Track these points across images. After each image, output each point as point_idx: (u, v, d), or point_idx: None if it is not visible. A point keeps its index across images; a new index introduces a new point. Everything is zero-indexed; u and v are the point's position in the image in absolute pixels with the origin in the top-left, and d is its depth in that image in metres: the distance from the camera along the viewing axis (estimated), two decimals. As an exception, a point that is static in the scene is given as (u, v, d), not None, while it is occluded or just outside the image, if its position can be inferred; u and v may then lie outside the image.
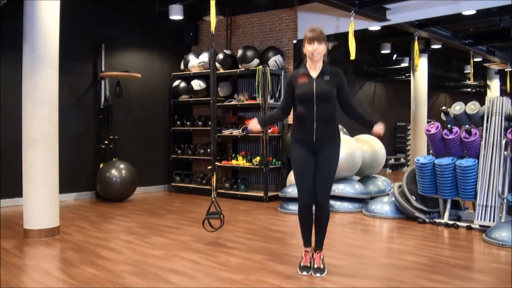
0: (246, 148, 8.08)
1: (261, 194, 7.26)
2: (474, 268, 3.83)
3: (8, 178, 6.35)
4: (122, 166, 7.08)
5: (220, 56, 7.66)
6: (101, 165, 7.26)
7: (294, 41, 7.55)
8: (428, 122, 9.25)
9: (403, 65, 11.92)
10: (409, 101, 10.79)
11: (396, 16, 6.91)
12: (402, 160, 14.26)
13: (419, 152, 10.24)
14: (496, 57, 10.66)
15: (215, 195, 4.71)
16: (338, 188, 6.38)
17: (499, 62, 11.27)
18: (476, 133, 5.27)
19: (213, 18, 4.84)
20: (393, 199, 5.89)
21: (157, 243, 4.50)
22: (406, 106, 11.49)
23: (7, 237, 4.68)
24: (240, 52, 7.45)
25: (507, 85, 12.18)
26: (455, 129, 5.38)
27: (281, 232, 5.16)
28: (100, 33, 7.58)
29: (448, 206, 5.45)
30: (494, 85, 13.83)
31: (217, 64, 7.62)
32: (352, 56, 6.49)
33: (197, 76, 8.11)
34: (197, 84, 8.04)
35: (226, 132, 7.71)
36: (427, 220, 5.51)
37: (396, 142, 15.06)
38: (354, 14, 6.45)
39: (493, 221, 5.00)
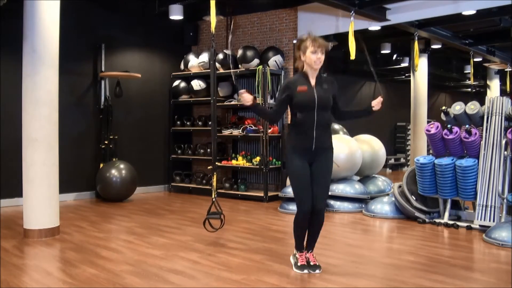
0: (246, 148, 8.08)
1: (261, 194, 7.26)
2: (474, 268, 3.83)
3: (8, 178, 6.35)
4: (122, 166, 7.08)
5: (220, 56, 7.66)
6: (101, 165, 7.26)
7: (294, 41, 7.54)
8: (428, 122, 9.26)
9: (403, 65, 11.92)
10: (409, 101, 10.79)
11: (396, 16, 6.91)
12: (402, 160, 14.26)
13: (419, 152, 10.24)
14: (496, 57, 10.66)
15: (216, 195, 4.71)
16: (338, 188, 6.38)
17: (499, 62, 11.27)
18: (476, 133, 5.27)
19: (213, 18, 4.84)
20: (393, 199, 5.89)
21: (157, 243, 4.50)
22: (406, 106, 11.49)
23: (7, 237, 4.68)
24: (240, 52, 7.45)
25: (507, 85, 12.18)
26: (455, 129, 5.38)
27: (281, 232, 5.15)
28: (100, 33, 7.58)
29: (448, 206, 5.45)
30: (494, 85, 13.82)
31: (217, 64, 7.63)
32: (352, 56, 6.50)
33: (197, 76, 8.12)
34: (197, 84, 8.04)
35: (226, 132, 7.71)
36: (427, 220, 5.51)
37: (396, 142, 15.06)
38: (354, 14, 6.45)
39: (493, 221, 5.00)
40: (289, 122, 3.62)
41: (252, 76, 7.68)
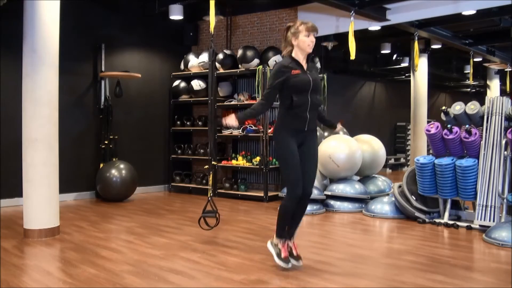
0: (246, 148, 8.08)
1: (261, 194, 7.26)
2: (474, 268, 3.83)
3: (8, 178, 6.35)
4: (122, 166, 7.08)
5: (220, 56, 7.66)
6: (101, 165, 7.26)
7: (294, 41, 7.54)
8: (428, 122, 9.26)
9: (403, 65, 11.92)
10: (409, 101, 10.79)
11: (396, 16, 6.91)
12: (402, 160, 14.26)
13: (419, 152, 10.24)
14: (496, 57, 10.67)
15: (212, 194, 4.78)
16: (338, 188, 6.38)
17: (499, 62, 11.28)
18: (476, 133, 5.27)
19: (212, 18, 4.84)
20: (393, 199, 5.89)
21: (157, 243, 4.50)
22: (406, 106, 11.49)
23: (7, 237, 4.68)
24: (240, 52, 7.45)
25: (507, 85, 12.18)
26: (455, 129, 5.38)
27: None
28: (100, 33, 7.57)
29: (448, 206, 5.45)
30: (494, 85, 13.83)
31: (217, 64, 7.63)
32: (352, 56, 6.50)
33: (197, 76, 8.11)
34: (197, 84, 8.04)
35: (226, 132, 7.71)
36: (427, 220, 5.51)
37: (396, 142, 15.07)
38: (354, 14, 6.45)
39: (493, 221, 5.00)
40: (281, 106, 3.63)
41: (252, 76, 7.68)
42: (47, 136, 4.67)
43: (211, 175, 4.93)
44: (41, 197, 4.65)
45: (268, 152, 7.19)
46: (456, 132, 5.36)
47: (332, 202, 6.38)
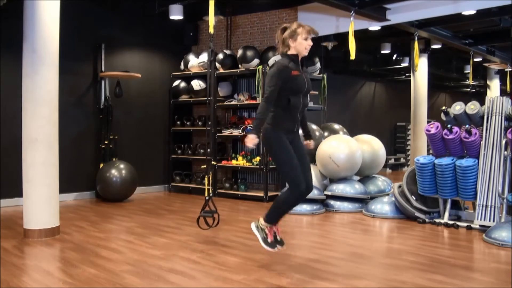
0: (246, 148, 8.08)
1: (261, 194, 7.26)
2: (474, 268, 3.83)
3: (8, 178, 6.35)
4: (122, 166, 7.08)
5: (220, 56, 7.66)
6: (101, 165, 7.26)
7: (294, 41, 7.54)
8: (428, 122, 9.26)
9: (403, 65, 11.93)
10: (409, 101, 10.79)
11: (396, 16, 6.91)
12: (402, 160, 14.26)
13: (419, 152, 10.24)
14: (496, 57, 10.67)
15: (210, 194, 4.80)
16: (338, 188, 6.38)
17: (499, 62, 11.28)
18: (476, 133, 5.27)
19: (211, 18, 4.84)
20: (393, 199, 5.89)
21: (157, 243, 4.50)
22: (406, 106, 11.49)
23: (7, 237, 4.68)
24: (240, 52, 7.45)
25: (507, 85, 12.19)
26: (455, 129, 5.38)
27: (281, 232, 5.13)
28: (100, 33, 7.58)
29: (448, 206, 5.45)
30: (494, 85, 13.84)
31: (217, 64, 7.63)
32: (352, 56, 6.50)
33: (197, 76, 8.12)
34: (197, 84, 8.04)
35: (226, 132, 7.71)
36: (427, 220, 5.51)
37: (396, 142, 15.07)
38: (354, 14, 6.45)
39: (493, 221, 4.99)
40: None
41: (252, 76, 7.68)
42: (47, 136, 4.67)
43: (209, 175, 4.95)
44: (41, 197, 4.65)
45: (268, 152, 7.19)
46: (456, 132, 5.36)
47: (332, 202, 6.38)
